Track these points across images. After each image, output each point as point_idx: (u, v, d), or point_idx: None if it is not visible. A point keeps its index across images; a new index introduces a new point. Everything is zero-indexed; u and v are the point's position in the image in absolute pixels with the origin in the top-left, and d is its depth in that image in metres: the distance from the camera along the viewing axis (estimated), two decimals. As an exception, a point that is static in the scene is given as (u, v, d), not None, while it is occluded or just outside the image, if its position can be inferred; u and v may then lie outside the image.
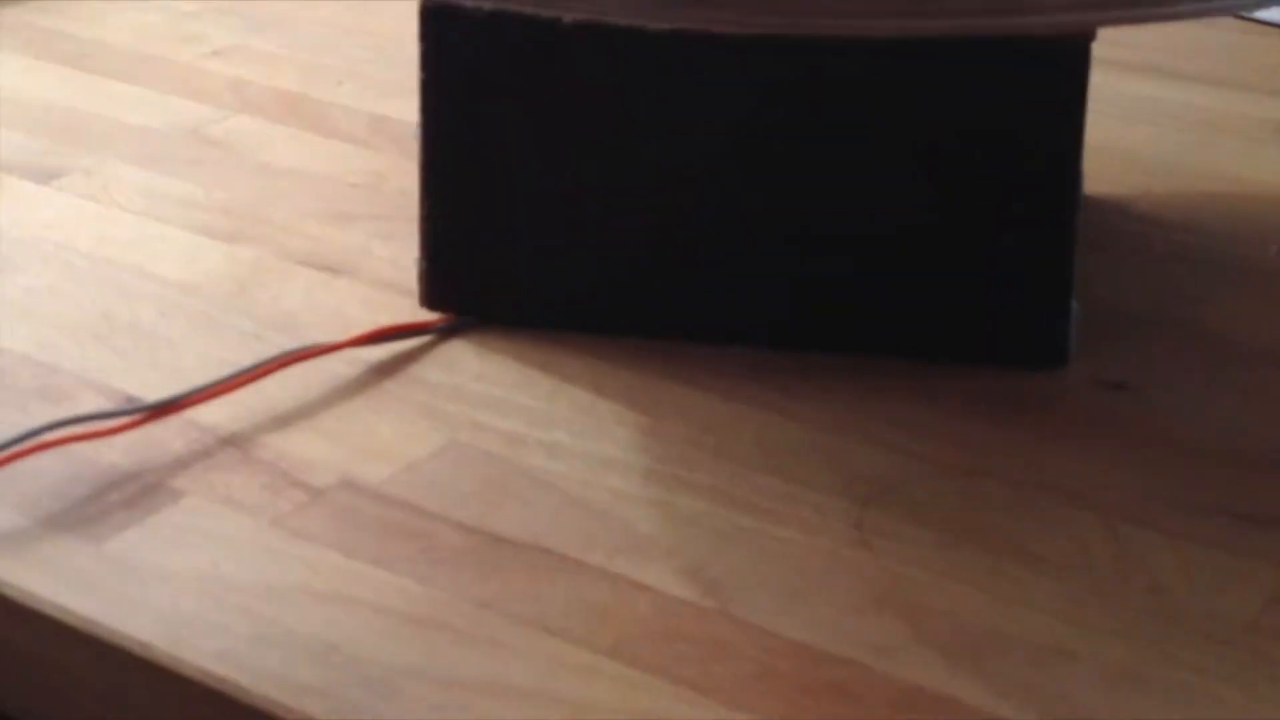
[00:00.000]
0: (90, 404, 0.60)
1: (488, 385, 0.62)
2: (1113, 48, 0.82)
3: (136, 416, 0.59)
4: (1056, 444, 0.59)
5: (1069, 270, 0.62)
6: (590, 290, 0.64)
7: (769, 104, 0.61)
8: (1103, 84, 0.71)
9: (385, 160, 0.78)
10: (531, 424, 0.60)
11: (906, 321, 0.62)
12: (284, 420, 0.60)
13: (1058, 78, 0.60)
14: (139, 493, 0.56)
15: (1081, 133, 0.61)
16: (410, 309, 0.66)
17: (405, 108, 0.76)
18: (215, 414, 0.60)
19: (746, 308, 0.63)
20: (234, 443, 0.59)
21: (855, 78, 0.61)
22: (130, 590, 0.52)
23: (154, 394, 0.60)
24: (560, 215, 0.63)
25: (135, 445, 0.58)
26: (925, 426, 0.60)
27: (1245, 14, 0.95)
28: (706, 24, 0.56)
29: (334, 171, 0.77)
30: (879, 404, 0.61)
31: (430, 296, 0.65)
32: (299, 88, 0.86)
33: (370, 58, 0.90)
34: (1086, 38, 0.60)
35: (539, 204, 0.63)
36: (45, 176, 0.77)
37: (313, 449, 0.58)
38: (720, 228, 0.62)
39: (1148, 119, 0.84)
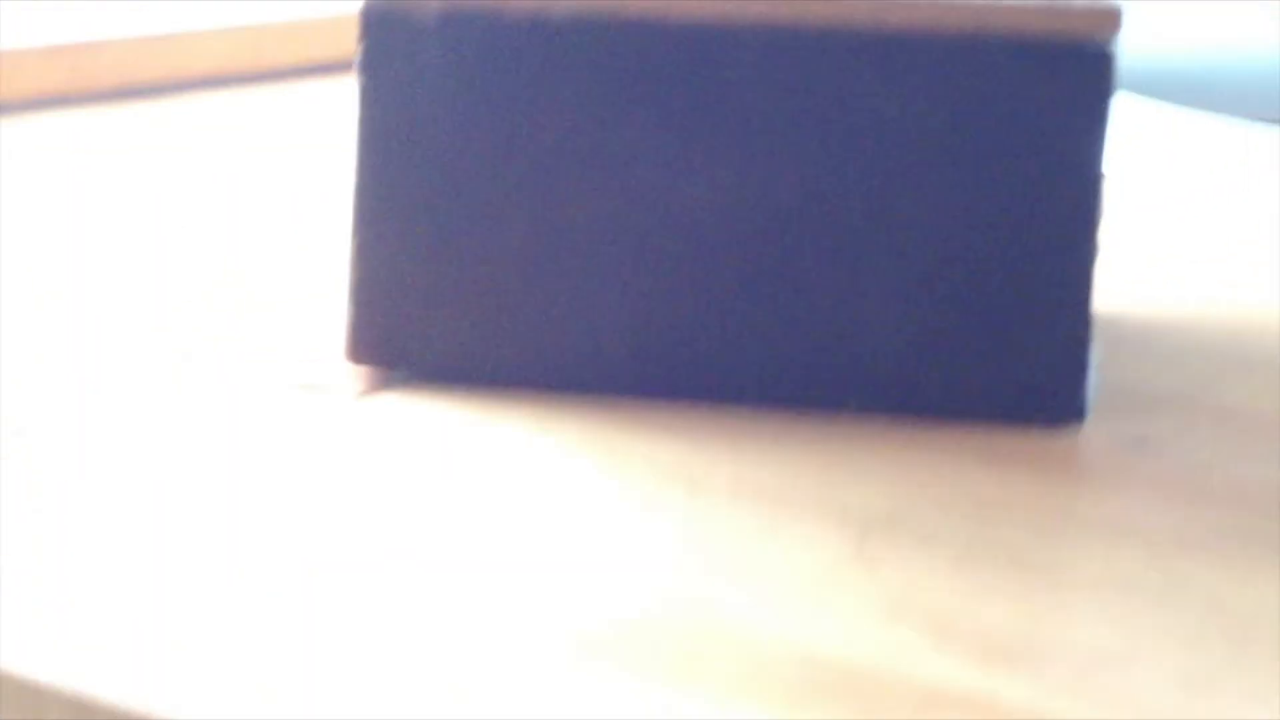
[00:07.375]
0: None
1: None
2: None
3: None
4: (1079, 488, 0.52)
5: (1086, 319, 0.55)
6: (547, 342, 0.56)
7: (762, 149, 0.55)
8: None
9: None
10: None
11: (907, 378, 0.55)
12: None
13: (1076, 95, 0.54)
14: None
15: (1100, 162, 0.55)
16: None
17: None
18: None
19: (729, 363, 0.55)
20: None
21: (855, 126, 0.54)
22: None
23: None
24: (513, 257, 0.56)
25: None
26: (928, 468, 0.52)
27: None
28: None
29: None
30: (869, 455, 0.53)
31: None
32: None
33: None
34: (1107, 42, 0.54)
35: (487, 244, 0.56)
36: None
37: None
38: (705, 277, 0.55)
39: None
